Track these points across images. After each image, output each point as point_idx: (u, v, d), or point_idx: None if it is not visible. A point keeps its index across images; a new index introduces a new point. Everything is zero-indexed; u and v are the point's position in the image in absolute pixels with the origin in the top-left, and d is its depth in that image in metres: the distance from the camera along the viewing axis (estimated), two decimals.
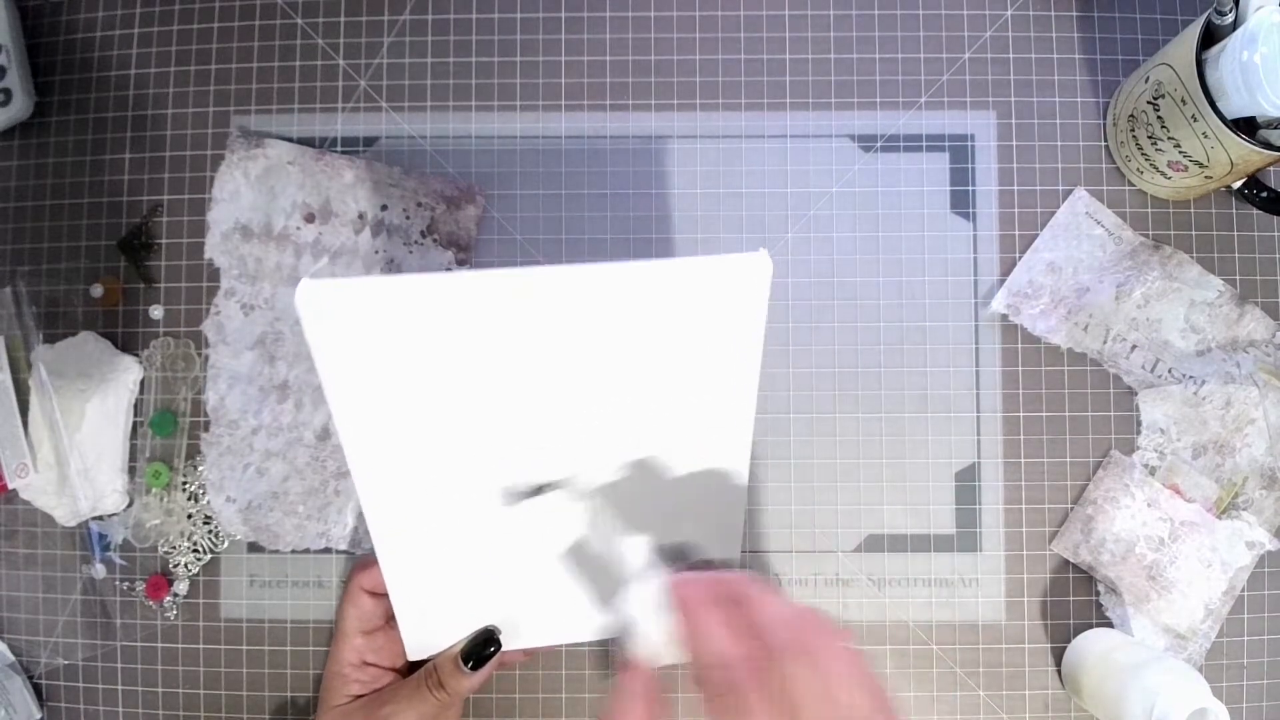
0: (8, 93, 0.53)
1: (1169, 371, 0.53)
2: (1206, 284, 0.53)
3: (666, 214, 0.55)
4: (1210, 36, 0.46)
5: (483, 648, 0.46)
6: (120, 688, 0.54)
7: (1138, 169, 0.53)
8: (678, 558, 0.38)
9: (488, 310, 0.37)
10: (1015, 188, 0.54)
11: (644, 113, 0.55)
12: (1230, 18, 0.45)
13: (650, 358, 0.39)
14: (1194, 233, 0.54)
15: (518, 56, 0.55)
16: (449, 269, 0.54)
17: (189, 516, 0.54)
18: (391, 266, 0.54)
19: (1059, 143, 0.55)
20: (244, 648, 0.54)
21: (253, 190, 0.54)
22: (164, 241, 0.55)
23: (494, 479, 0.42)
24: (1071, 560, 0.53)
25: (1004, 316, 0.53)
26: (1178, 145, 0.49)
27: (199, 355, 0.54)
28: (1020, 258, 0.54)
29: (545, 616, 0.47)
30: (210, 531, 0.54)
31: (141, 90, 0.56)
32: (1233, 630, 0.52)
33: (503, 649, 0.46)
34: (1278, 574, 0.53)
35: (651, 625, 0.37)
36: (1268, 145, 0.46)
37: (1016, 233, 0.54)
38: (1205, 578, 0.52)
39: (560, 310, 0.37)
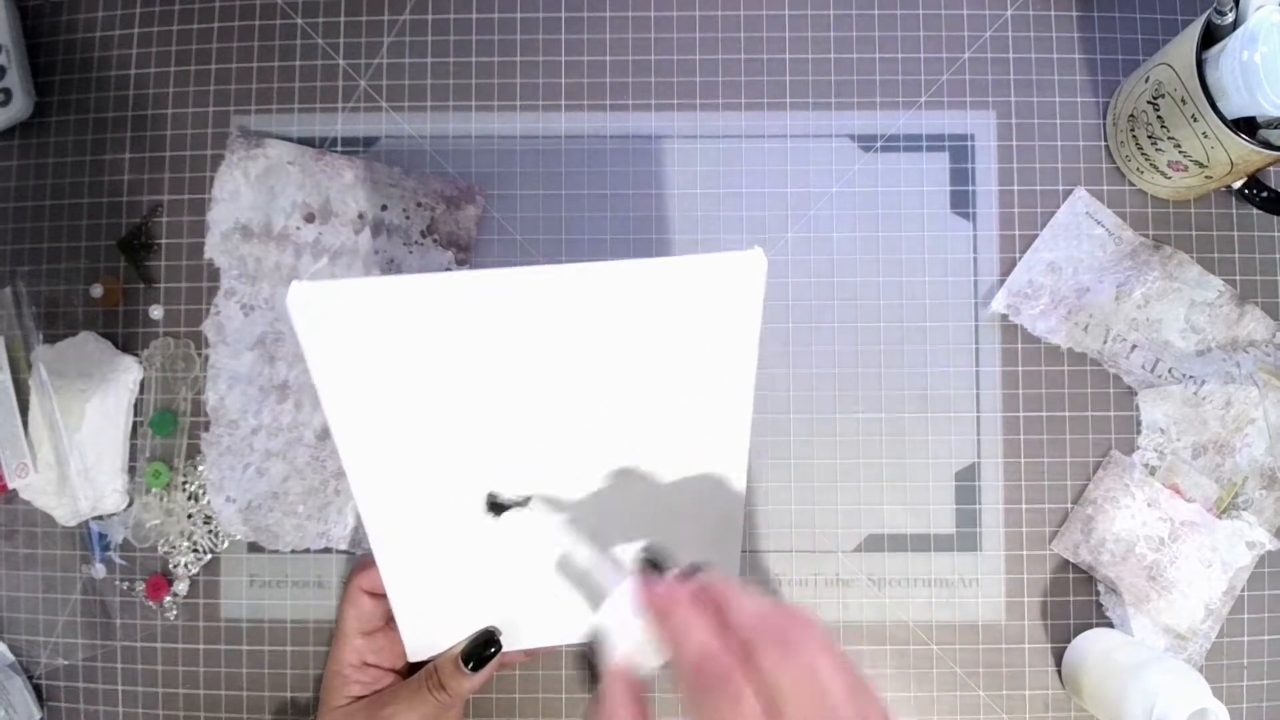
0: (8, 93, 0.53)
1: (1169, 371, 0.53)
2: (1206, 284, 0.53)
3: (666, 214, 0.55)
4: (1210, 36, 0.46)
5: (483, 648, 0.46)
6: (120, 688, 0.54)
7: (1138, 169, 0.53)
8: (655, 563, 0.38)
9: (481, 310, 0.37)
10: (1015, 188, 0.54)
11: (644, 113, 0.55)
12: (1230, 17, 0.45)
13: (646, 356, 0.39)
14: (1194, 233, 0.54)
15: (518, 56, 0.55)
16: (449, 269, 0.54)
17: (189, 516, 0.54)
18: (391, 267, 0.54)
19: (1059, 143, 0.55)
20: (244, 648, 0.54)
21: (253, 190, 0.54)
22: (164, 241, 0.55)
23: (490, 480, 0.42)
24: (1071, 560, 0.53)
25: (1004, 316, 0.53)
26: (1178, 145, 0.49)
27: (199, 355, 0.54)
28: (1020, 258, 0.54)
29: (545, 617, 0.47)
30: (210, 531, 0.54)
31: (141, 90, 0.56)
32: (1233, 630, 0.52)
33: (503, 650, 0.46)
34: (1278, 574, 0.53)
35: (629, 630, 0.37)
36: (1268, 145, 0.46)
37: (1016, 233, 0.54)
38: (1205, 578, 0.52)
39: (554, 310, 0.37)
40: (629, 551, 0.45)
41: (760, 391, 0.53)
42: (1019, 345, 0.54)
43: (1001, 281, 0.54)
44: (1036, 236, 0.54)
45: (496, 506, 0.43)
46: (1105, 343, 0.53)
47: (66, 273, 0.55)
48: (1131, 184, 0.54)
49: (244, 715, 0.53)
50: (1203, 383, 0.53)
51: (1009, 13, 0.55)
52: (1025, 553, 0.53)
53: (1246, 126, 0.46)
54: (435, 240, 0.54)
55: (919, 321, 0.54)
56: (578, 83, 0.55)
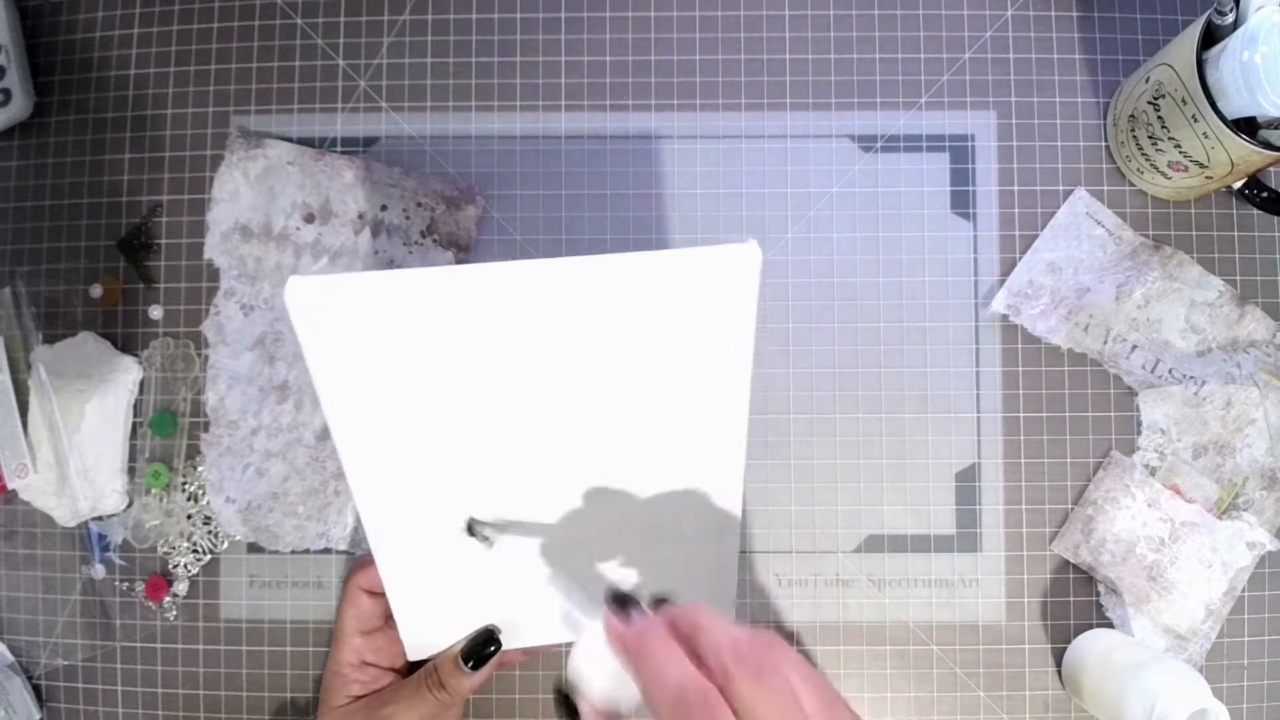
0: (7, 93, 0.53)
1: (1169, 372, 0.53)
2: (1207, 284, 0.53)
3: (666, 214, 0.55)
4: (1211, 36, 0.46)
5: (483, 647, 0.46)
6: (120, 688, 0.53)
7: (1138, 169, 0.53)
8: (620, 599, 0.38)
9: (477, 303, 0.37)
10: (1015, 188, 0.54)
11: (644, 113, 0.55)
12: (1230, 18, 0.45)
13: (642, 349, 0.39)
14: (1194, 233, 0.54)
15: (518, 56, 0.55)
16: None
17: (189, 517, 0.54)
18: (391, 267, 0.54)
19: (1059, 143, 0.55)
20: (244, 648, 0.53)
21: (252, 190, 0.54)
22: (164, 242, 0.55)
23: (489, 475, 0.42)
24: (1072, 561, 0.53)
25: (1004, 317, 0.53)
26: (1178, 145, 0.49)
27: (199, 355, 0.54)
28: (1020, 258, 0.54)
29: (545, 616, 0.47)
30: (210, 532, 0.54)
31: (141, 90, 0.56)
32: (1233, 631, 0.52)
33: (503, 648, 0.46)
34: (1278, 574, 0.53)
35: (602, 671, 0.37)
36: (1268, 145, 0.46)
37: (1016, 233, 0.54)
38: (1206, 578, 0.52)
39: (551, 303, 0.37)
40: (628, 568, 0.45)
41: (760, 391, 0.53)
42: (1019, 345, 0.54)
43: (1002, 282, 0.54)
44: (1037, 237, 0.54)
45: (471, 530, 0.44)
46: (1105, 343, 0.53)
47: (66, 273, 0.55)
48: (1132, 184, 0.54)
49: (244, 715, 0.53)
50: (1203, 383, 0.53)
51: (1009, 13, 0.55)
52: (1025, 553, 0.53)
53: (1247, 127, 0.46)
54: (435, 240, 0.54)
55: (919, 321, 0.54)
56: (578, 83, 0.55)
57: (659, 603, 0.38)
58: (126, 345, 0.55)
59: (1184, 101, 0.47)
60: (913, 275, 0.54)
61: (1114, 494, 0.52)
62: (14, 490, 0.54)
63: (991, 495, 0.53)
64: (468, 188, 0.54)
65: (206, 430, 0.54)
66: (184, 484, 0.54)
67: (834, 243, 0.54)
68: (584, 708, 0.37)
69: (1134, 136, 0.51)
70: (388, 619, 0.48)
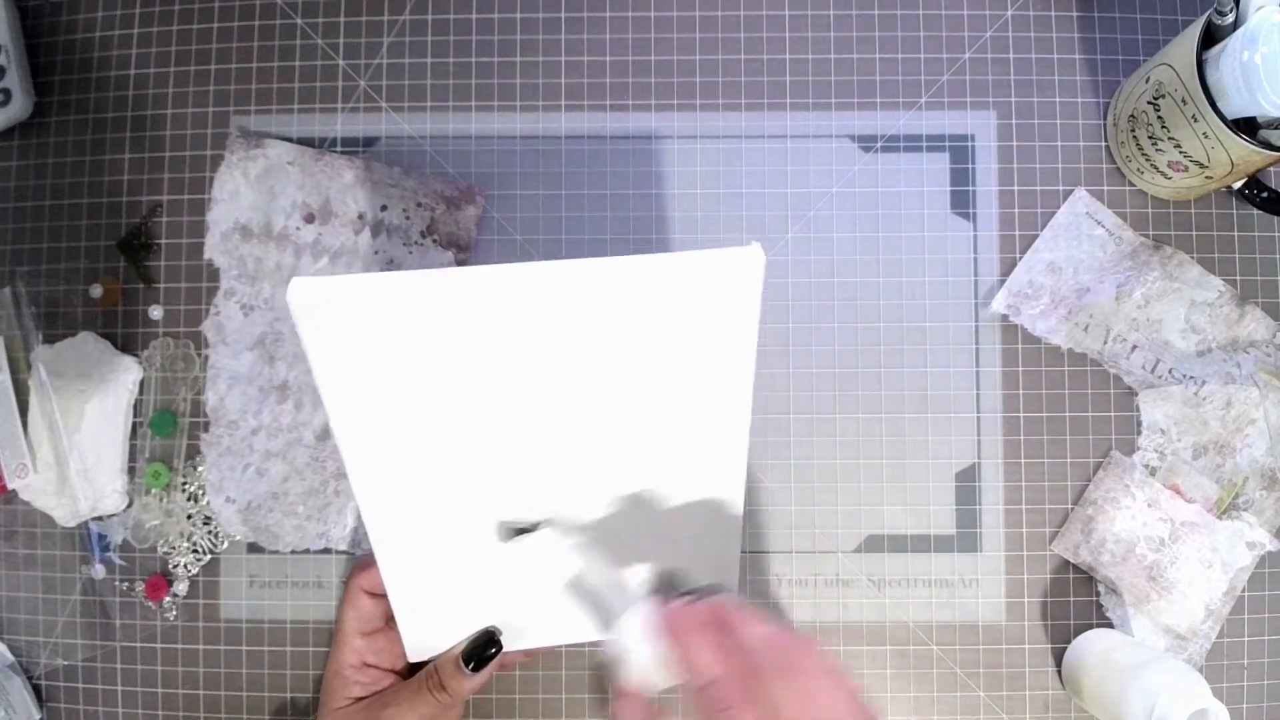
0: (7, 93, 0.53)
1: (1169, 372, 0.53)
2: (1207, 284, 0.53)
3: (666, 214, 0.55)
4: (1211, 36, 0.46)
5: (484, 649, 0.46)
6: (120, 688, 0.53)
7: (1138, 169, 0.53)
8: (669, 585, 0.40)
9: (480, 305, 0.37)
10: (1015, 188, 0.54)
11: (644, 113, 0.55)
12: (1230, 18, 0.45)
13: (645, 351, 0.39)
14: (1194, 233, 0.54)
15: (518, 56, 0.55)
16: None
17: (189, 517, 0.54)
18: (391, 267, 0.53)
19: (1059, 143, 0.55)
20: (244, 648, 0.53)
21: (252, 190, 0.54)
22: (164, 241, 0.55)
23: (491, 476, 0.42)
24: (1072, 561, 0.53)
25: (1004, 317, 0.53)
26: (1178, 145, 0.49)
27: (199, 355, 0.54)
28: (1020, 258, 0.54)
29: (546, 617, 0.47)
30: (210, 532, 0.54)
31: (141, 90, 0.56)
32: (1233, 631, 0.52)
33: (504, 650, 0.46)
34: (1278, 574, 0.53)
35: (643, 652, 0.39)
36: (1268, 145, 0.46)
37: (1016, 233, 0.54)
38: (1206, 578, 0.52)
39: (554, 305, 0.37)
40: (633, 566, 0.45)
41: (760, 391, 0.53)
42: (1019, 345, 0.54)
43: (1001, 282, 0.54)
44: (1037, 237, 0.54)
45: (511, 531, 0.44)
46: (1105, 343, 0.53)
47: (66, 273, 0.55)
48: (1132, 184, 0.54)
49: (244, 716, 0.53)
50: (1203, 383, 0.53)
51: (1009, 13, 0.55)
52: (1025, 553, 0.53)
53: (1247, 127, 0.46)
54: (435, 240, 0.54)
55: (919, 321, 0.54)
56: (578, 83, 0.55)
57: (702, 594, 0.40)
58: (126, 345, 0.55)
59: (1184, 101, 0.47)
60: (913, 275, 0.54)
61: (1114, 494, 0.52)
62: (14, 490, 0.54)
63: (991, 495, 0.53)
64: (468, 188, 0.54)
65: (206, 430, 0.54)
66: (184, 484, 0.54)
67: (834, 243, 0.54)
68: (621, 682, 0.39)
69: (1134, 136, 0.52)
70: (389, 620, 0.48)
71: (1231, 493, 0.53)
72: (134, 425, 0.54)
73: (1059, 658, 0.52)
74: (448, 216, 0.54)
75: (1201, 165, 0.49)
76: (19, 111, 0.54)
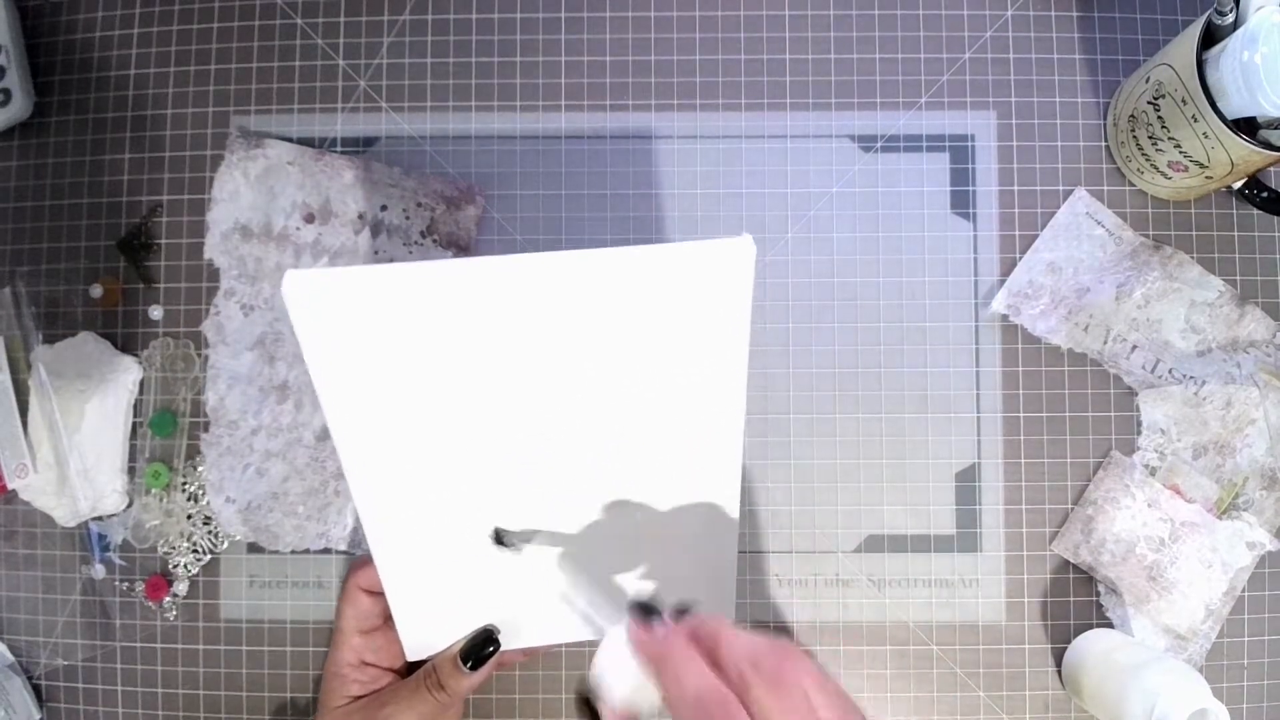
0: (7, 93, 0.53)
1: (1169, 372, 0.53)
2: (1207, 284, 0.53)
3: (666, 214, 0.55)
4: (1211, 36, 0.46)
5: (482, 647, 0.46)
6: (120, 688, 0.53)
7: (1138, 169, 0.53)
8: (644, 609, 0.39)
9: (473, 297, 0.37)
10: (1015, 188, 0.54)
11: (644, 113, 0.55)
12: (1230, 18, 0.45)
13: (638, 342, 0.39)
14: (1194, 233, 0.54)
15: (518, 56, 0.55)
16: None
17: (189, 517, 0.54)
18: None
19: (1059, 143, 0.55)
20: (244, 648, 0.53)
21: (252, 190, 0.54)
22: (164, 241, 0.55)
23: (488, 472, 0.42)
24: (1072, 561, 0.53)
25: (1004, 317, 0.53)
26: (1178, 145, 0.49)
27: (199, 355, 0.54)
28: (1020, 258, 0.54)
29: (544, 616, 0.47)
30: (210, 532, 0.54)
31: (141, 90, 0.56)
32: (1233, 631, 0.52)
33: (502, 649, 0.46)
34: (1278, 574, 0.53)
35: (624, 679, 0.38)
36: (1268, 145, 0.46)
37: (1016, 233, 0.54)
38: (1206, 578, 0.52)
39: (547, 296, 0.37)
40: (628, 563, 0.45)
41: (760, 391, 0.53)
42: (1019, 345, 0.54)
43: (1001, 282, 0.54)
44: (1036, 237, 0.54)
45: (499, 538, 0.44)
46: (1105, 343, 0.53)
47: (66, 273, 0.55)
48: (1132, 184, 0.54)
49: (244, 715, 0.53)
50: (1203, 383, 0.53)
51: (1009, 13, 0.55)
52: (1025, 553, 0.53)
53: (1247, 127, 0.46)
54: (435, 240, 0.54)
55: (919, 321, 0.54)
56: (578, 83, 0.55)
57: (680, 612, 0.39)
58: (126, 345, 0.55)
59: (1184, 101, 0.47)
60: (913, 275, 0.54)
61: (1114, 494, 0.52)
62: (14, 490, 0.54)
63: (991, 495, 0.53)
64: (468, 188, 0.54)
65: (206, 430, 0.54)
66: (184, 484, 0.54)
67: (834, 243, 0.54)
68: (604, 711, 0.38)
69: (1134, 136, 0.51)
70: (387, 619, 0.48)
71: (1231, 493, 0.53)
72: (134, 425, 0.54)
73: (1059, 658, 0.52)
74: (448, 216, 0.54)
75: (1201, 165, 0.49)
76: (19, 111, 0.54)
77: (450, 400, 0.39)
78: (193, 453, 0.54)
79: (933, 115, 0.55)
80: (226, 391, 0.54)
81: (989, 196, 0.54)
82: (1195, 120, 0.47)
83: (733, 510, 0.45)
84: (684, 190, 0.55)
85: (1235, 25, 0.45)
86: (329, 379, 0.38)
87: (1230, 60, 0.44)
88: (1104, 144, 0.55)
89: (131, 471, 0.54)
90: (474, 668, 0.45)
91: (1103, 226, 0.54)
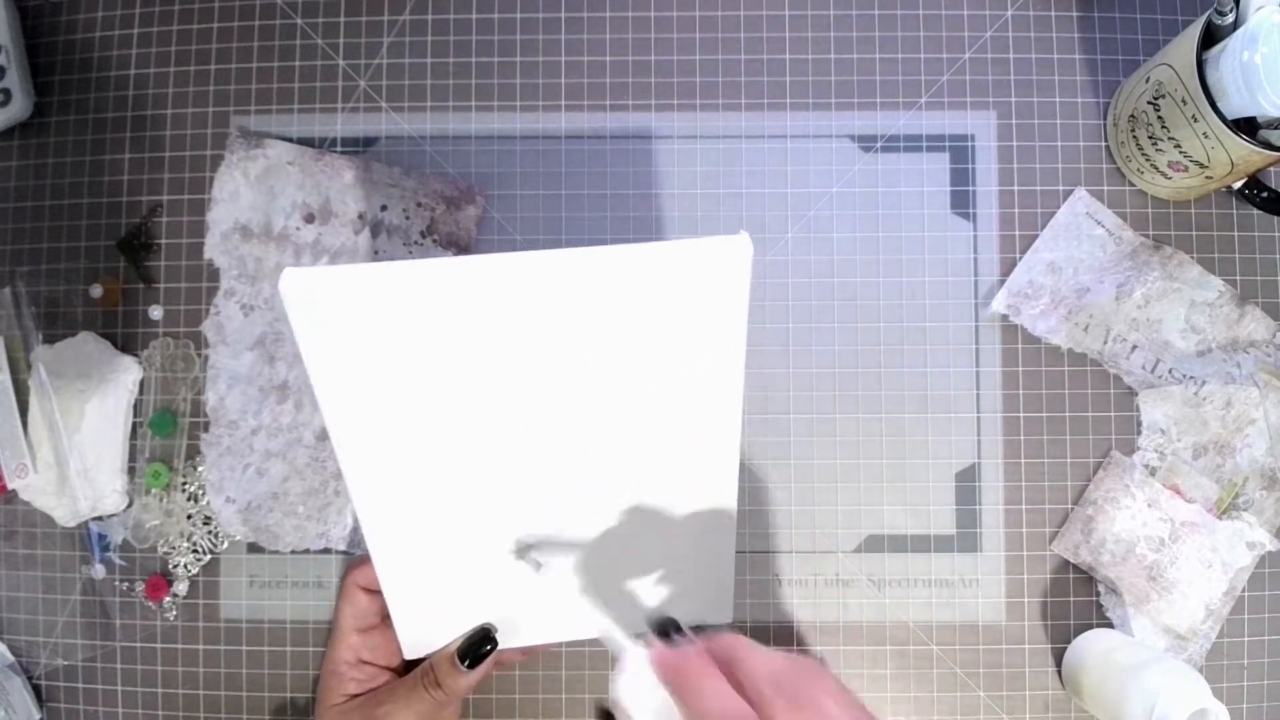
0: (7, 93, 0.53)
1: (1169, 372, 0.53)
2: (1207, 284, 0.53)
3: (666, 214, 0.55)
4: (1210, 36, 0.46)
5: (479, 646, 0.46)
6: (120, 688, 0.53)
7: (1138, 169, 0.53)
8: (663, 628, 0.39)
9: (471, 295, 0.37)
10: (1015, 188, 0.54)
11: (644, 113, 0.55)
12: (1230, 18, 0.45)
13: (635, 339, 0.39)
14: (1194, 233, 0.54)
15: (518, 56, 0.55)
16: None
17: (189, 517, 0.54)
18: None
19: (1059, 143, 0.55)
20: (244, 648, 0.53)
21: (252, 190, 0.54)
22: (164, 241, 0.55)
23: (485, 471, 0.42)
24: (1072, 561, 0.53)
25: (1004, 317, 0.53)
26: (1178, 145, 0.49)
27: (199, 355, 0.54)
28: (1020, 258, 0.54)
29: (542, 614, 0.47)
30: (210, 532, 0.54)
31: (141, 90, 0.56)
32: (1233, 631, 0.52)
33: (499, 647, 0.46)
34: (1278, 574, 0.53)
35: (645, 702, 0.37)
36: (1268, 145, 0.46)
37: (1016, 233, 0.54)
38: (1206, 578, 0.52)
39: (544, 294, 0.37)
40: (626, 564, 0.45)
41: (760, 391, 0.53)
42: (1019, 345, 0.54)
43: (1001, 282, 0.54)
44: (1036, 237, 0.54)
45: (522, 552, 0.44)
46: (1105, 343, 0.53)
47: (66, 273, 0.55)
48: (1132, 184, 0.54)
49: (244, 715, 0.53)
50: (1203, 383, 0.53)
51: (1009, 13, 0.55)
52: (1025, 553, 0.53)
53: (1247, 127, 0.46)
54: (435, 240, 0.54)
55: (919, 321, 0.54)
56: (578, 83, 0.55)
57: (698, 630, 0.38)
58: (126, 345, 0.55)
59: (1184, 101, 0.47)
60: (913, 275, 0.54)
61: (1114, 494, 0.52)
62: (14, 490, 0.54)
63: (991, 495, 0.53)
64: (468, 188, 0.54)
65: (206, 430, 0.54)
66: (184, 484, 0.54)
67: (834, 243, 0.54)
68: None
69: (1134, 136, 0.51)
70: (385, 617, 0.48)
71: (1231, 493, 0.53)
72: (134, 425, 0.54)
73: (1059, 658, 0.52)
74: (448, 216, 0.54)
75: (1201, 165, 0.49)
76: (19, 111, 0.54)
77: (447, 398, 0.40)
78: (193, 453, 0.54)
79: (933, 115, 0.55)
80: (226, 391, 0.54)
81: (989, 196, 0.54)
82: (1195, 120, 0.47)
83: (731, 508, 0.45)
84: (684, 190, 0.55)
85: (1235, 25, 0.45)
86: (326, 377, 0.38)
87: (1230, 60, 0.44)
88: (1104, 144, 0.55)
89: (131, 471, 0.54)
90: (471, 666, 0.45)
91: (1103, 226, 0.54)
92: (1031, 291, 0.53)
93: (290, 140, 0.55)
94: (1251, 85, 0.44)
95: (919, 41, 0.55)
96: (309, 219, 0.54)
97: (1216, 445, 0.53)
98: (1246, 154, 0.46)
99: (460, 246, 0.54)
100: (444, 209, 0.54)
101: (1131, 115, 0.51)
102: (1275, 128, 0.47)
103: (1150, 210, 0.54)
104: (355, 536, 0.53)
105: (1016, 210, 0.54)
